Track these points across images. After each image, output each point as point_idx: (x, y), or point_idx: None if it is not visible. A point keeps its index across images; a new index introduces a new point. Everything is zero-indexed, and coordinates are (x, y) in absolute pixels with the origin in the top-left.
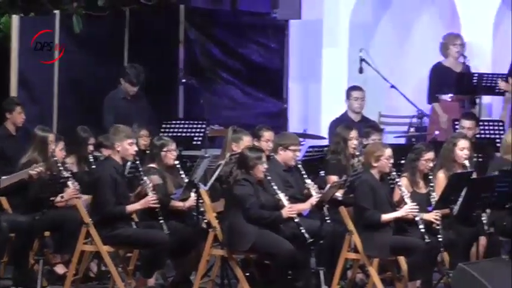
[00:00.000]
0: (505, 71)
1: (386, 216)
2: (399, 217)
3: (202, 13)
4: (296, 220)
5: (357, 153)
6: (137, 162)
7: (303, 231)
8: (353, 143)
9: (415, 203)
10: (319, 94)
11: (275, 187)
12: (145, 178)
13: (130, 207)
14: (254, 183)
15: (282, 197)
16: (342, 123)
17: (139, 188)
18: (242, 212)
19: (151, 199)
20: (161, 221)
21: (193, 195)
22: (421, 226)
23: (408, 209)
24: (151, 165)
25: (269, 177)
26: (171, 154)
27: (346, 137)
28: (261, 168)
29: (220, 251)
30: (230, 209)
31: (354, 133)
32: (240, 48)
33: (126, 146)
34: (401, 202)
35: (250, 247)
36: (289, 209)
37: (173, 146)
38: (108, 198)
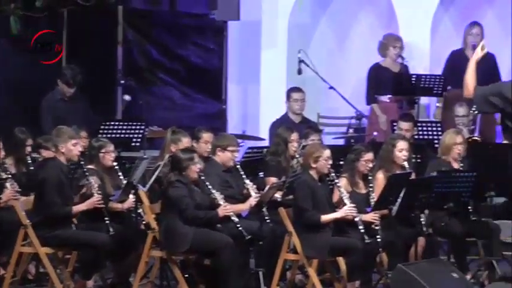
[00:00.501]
0: None
1: (326, 217)
2: (339, 218)
3: (141, 14)
4: (233, 218)
5: (297, 155)
6: (82, 162)
7: (241, 228)
8: (293, 145)
9: (354, 204)
10: (258, 95)
11: (210, 187)
12: (90, 179)
13: (76, 208)
14: (188, 183)
15: (218, 196)
16: (282, 124)
17: (85, 189)
18: (178, 214)
19: (96, 200)
20: (107, 222)
21: (132, 196)
22: (360, 227)
23: (347, 209)
24: (90, 166)
25: (203, 177)
26: (109, 155)
27: (287, 138)
28: (194, 169)
29: (159, 252)
30: (166, 211)
31: (295, 135)
32: (178, 49)
33: (70, 147)
34: (340, 203)
35: (188, 247)
36: (224, 208)
37: (111, 147)
38: (54, 200)
